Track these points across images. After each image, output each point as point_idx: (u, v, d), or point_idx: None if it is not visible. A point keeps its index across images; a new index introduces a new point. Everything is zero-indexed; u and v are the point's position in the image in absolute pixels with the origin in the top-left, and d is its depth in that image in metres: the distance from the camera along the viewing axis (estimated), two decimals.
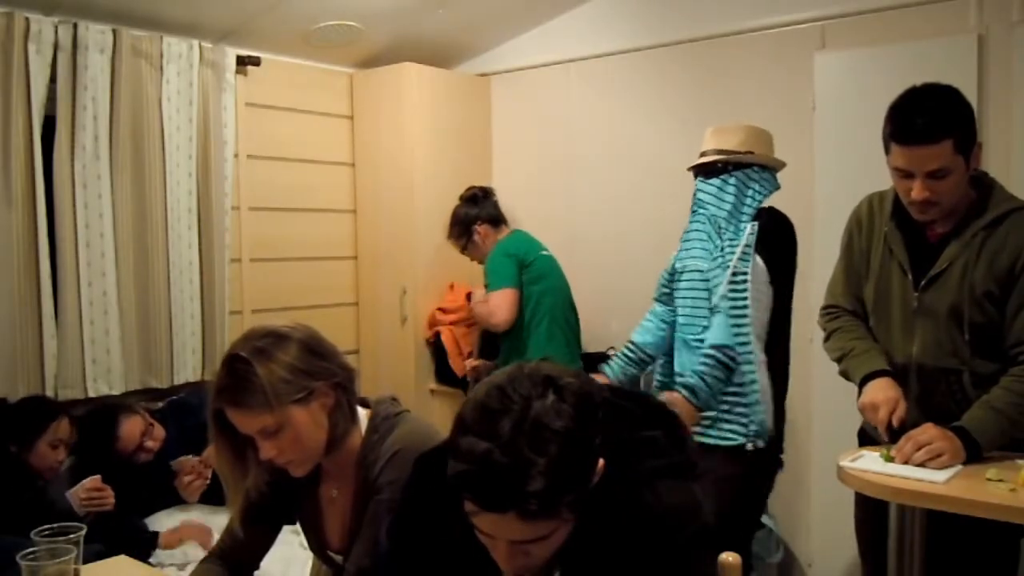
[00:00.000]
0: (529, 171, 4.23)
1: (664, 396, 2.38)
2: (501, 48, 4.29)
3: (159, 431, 3.09)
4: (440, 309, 4.06)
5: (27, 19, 3.04)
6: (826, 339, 2.28)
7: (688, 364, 2.51)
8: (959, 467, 1.86)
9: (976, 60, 2.91)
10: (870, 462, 1.93)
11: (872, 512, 2.17)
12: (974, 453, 1.88)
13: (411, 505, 1.40)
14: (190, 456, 3.05)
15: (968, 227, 2.00)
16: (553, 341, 3.44)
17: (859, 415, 2.16)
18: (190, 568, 2.22)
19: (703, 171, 2.52)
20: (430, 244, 4.05)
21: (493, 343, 3.79)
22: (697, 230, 2.50)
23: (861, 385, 2.10)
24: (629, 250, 3.85)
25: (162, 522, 3.00)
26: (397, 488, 1.51)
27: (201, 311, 3.59)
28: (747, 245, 2.37)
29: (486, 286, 3.51)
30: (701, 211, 2.49)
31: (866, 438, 2.21)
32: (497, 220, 3.63)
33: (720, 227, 2.43)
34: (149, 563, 2.59)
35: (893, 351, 2.11)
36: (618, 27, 3.87)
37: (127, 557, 2.03)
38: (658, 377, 2.70)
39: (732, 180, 2.45)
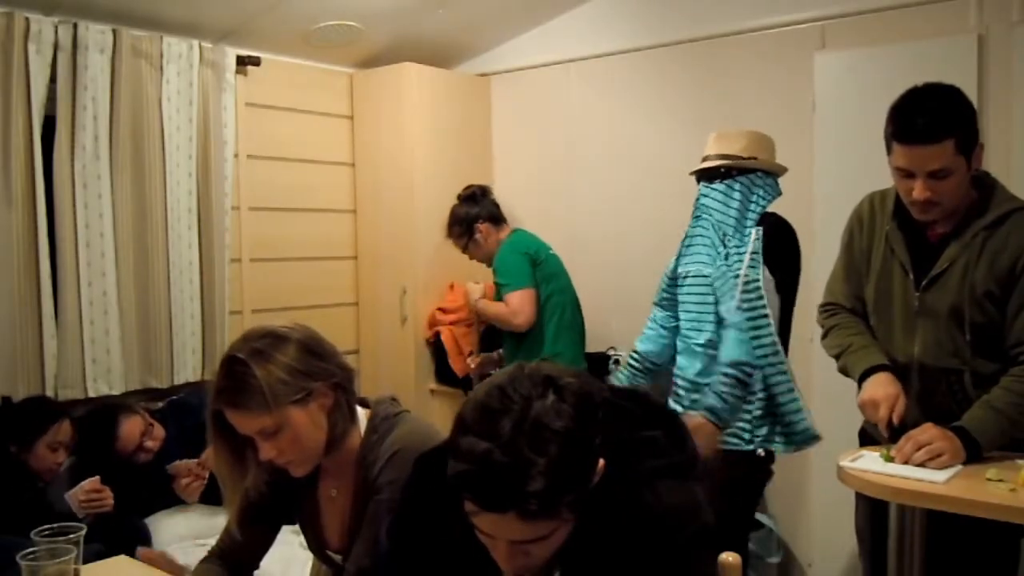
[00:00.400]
0: (529, 171, 4.23)
1: (685, 419, 2.38)
2: (501, 48, 4.29)
3: (159, 431, 3.09)
4: (440, 309, 4.06)
5: (27, 19, 3.04)
6: (824, 335, 2.28)
7: (689, 368, 2.51)
8: (959, 467, 1.86)
9: (976, 60, 2.91)
10: (870, 462, 1.93)
11: (872, 512, 2.17)
12: (974, 453, 1.88)
13: (411, 505, 1.40)
14: (185, 460, 3.04)
15: (969, 227, 1.99)
16: (560, 340, 3.44)
17: (859, 415, 2.16)
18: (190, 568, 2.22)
19: (706, 176, 2.52)
20: (430, 244, 4.05)
21: (494, 342, 3.79)
22: (701, 235, 2.50)
23: (860, 381, 2.10)
24: (629, 250, 3.85)
25: (162, 522, 3.00)
26: (397, 488, 1.51)
27: (201, 311, 3.59)
28: (755, 252, 2.37)
29: (499, 286, 3.47)
30: (705, 216, 2.49)
31: (866, 438, 2.21)
32: (498, 218, 3.61)
33: (725, 234, 2.43)
34: None
35: (894, 351, 2.11)
36: (618, 27, 3.87)
37: (127, 557, 2.04)
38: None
39: (737, 186, 2.45)
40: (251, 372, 1.47)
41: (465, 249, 3.66)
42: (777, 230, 2.44)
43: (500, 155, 4.37)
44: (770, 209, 2.48)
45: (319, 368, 1.55)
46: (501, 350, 3.71)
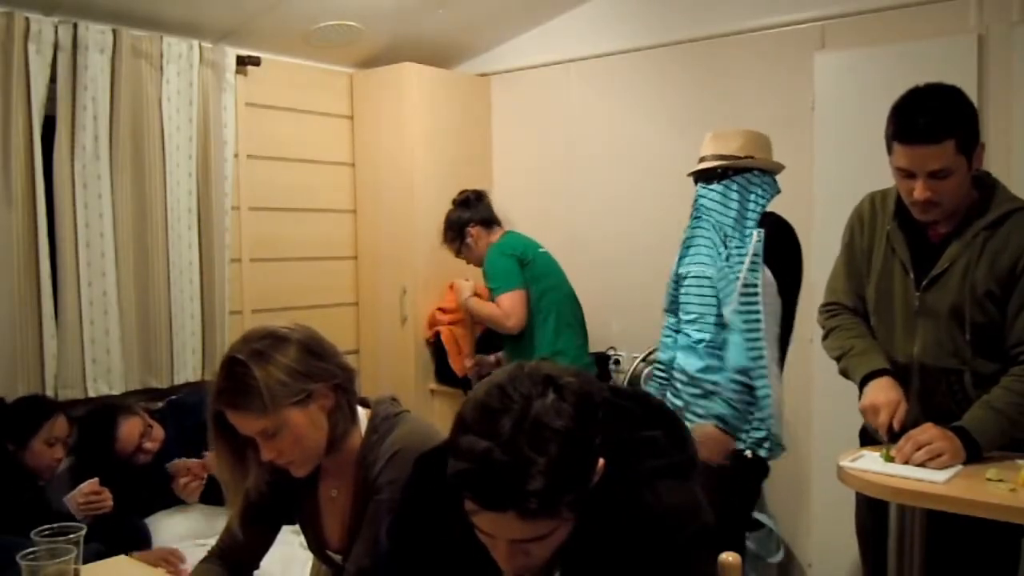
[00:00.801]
0: (529, 171, 4.23)
1: (695, 430, 2.39)
2: (501, 48, 4.29)
3: (158, 432, 3.08)
4: (440, 309, 4.06)
5: (27, 19, 3.03)
6: (825, 336, 2.28)
7: (689, 365, 2.52)
8: (959, 467, 1.86)
9: (976, 60, 2.91)
10: (870, 462, 1.93)
11: (872, 512, 2.17)
12: (974, 453, 1.88)
13: (411, 505, 1.40)
14: (184, 459, 3.04)
15: (970, 227, 2.00)
16: (562, 338, 3.43)
17: (859, 415, 2.16)
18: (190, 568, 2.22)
19: (703, 177, 2.53)
20: (430, 244, 4.04)
21: (492, 342, 3.79)
22: (702, 236, 2.50)
23: (861, 385, 2.10)
24: (629, 250, 3.85)
25: (162, 522, 3.00)
26: (397, 488, 1.51)
27: (201, 311, 3.58)
28: (755, 254, 2.37)
29: (490, 290, 3.47)
30: (705, 217, 2.49)
31: (866, 438, 2.21)
32: (489, 222, 3.61)
33: (726, 234, 2.43)
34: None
35: (894, 350, 2.11)
36: (618, 27, 3.87)
37: (127, 557, 2.04)
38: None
39: (734, 186, 2.45)
40: (251, 373, 1.47)
41: (459, 253, 3.67)
42: (778, 231, 2.45)
43: (500, 155, 4.37)
44: (770, 208, 2.48)
45: (319, 369, 1.55)
46: (500, 353, 3.71)
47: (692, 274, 2.53)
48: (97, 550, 2.22)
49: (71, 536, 1.56)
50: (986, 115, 2.85)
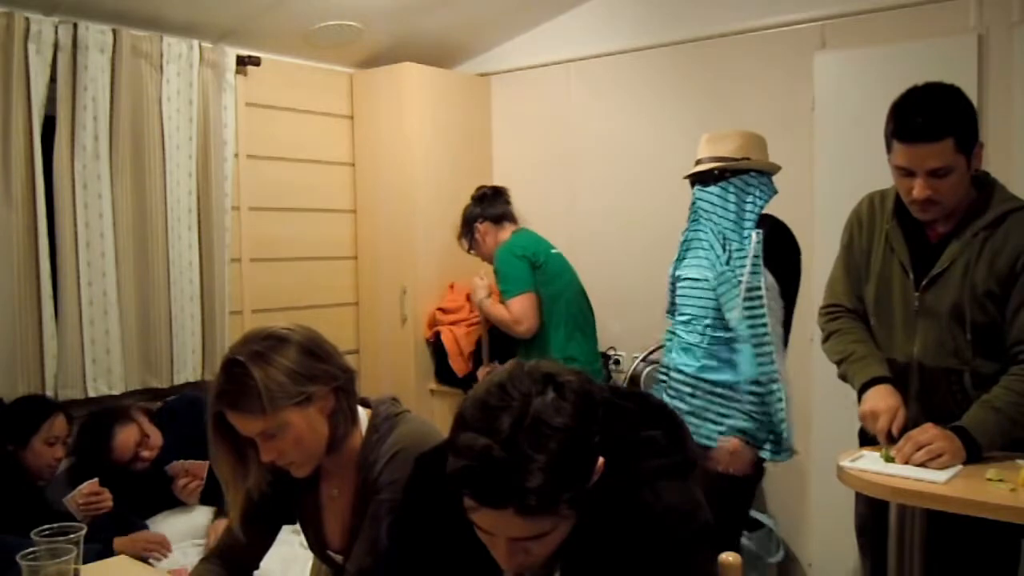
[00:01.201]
0: (529, 171, 4.23)
1: (721, 444, 2.40)
2: (501, 48, 4.29)
3: (155, 439, 3.04)
4: (440, 309, 4.06)
5: (27, 19, 3.03)
6: (825, 340, 2.28)
7: (685, 365, 2.52)
8: (959, 467, 1.86)
9: (976, 60, 2.91)
10: (870, 462, 1.93)
11: (872, 512, 2.17)
12: (974, 453, 1.88)
13: (412, 505, 1.40)
14: (182, 461, 3.03)
15: (969, 227, 2.00)
16: (572, 343, 3.36)
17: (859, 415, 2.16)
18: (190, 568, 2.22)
19: (699, 179, 2.53)
20: (430, 244, 4.05)
21: (503, 344, 3.70)
22: (700, 239, 2.50)
23: (861, 392, 2.10)
24: (629, 250, 3.85)
25: (162, 523, 3.00)
26: (397, 488, 1.52)
27: (201, 311, 3.58)
28: (756, 256, 2.37)
29: (501, 291, 3.40)
30: (704, 220, 2.49)
31: (866, 438, 2.21)
32: (500, 218, 3.53)
33: (726, 237, 2.43)
34: (149, 563, 2.59)
35: (894, 351, 2.11)
36: (618, 27, 3.87)
37: (127, 557, 2.04)
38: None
39: (731, 188, 2.45)
40: (250, 374, 1.47)
41: (470, 250, 3.62)
42: (775, 232, 2.45)
43: (500, 155, 4.37)
44: (770, 209, 2.48)
45: (319, 371, 1.55)
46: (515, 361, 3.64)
47: (688, 276, 2.54)
48: (97, 550, 2.22)
49: (71, 536, 1.56)
50: (986, 115, 2.85)
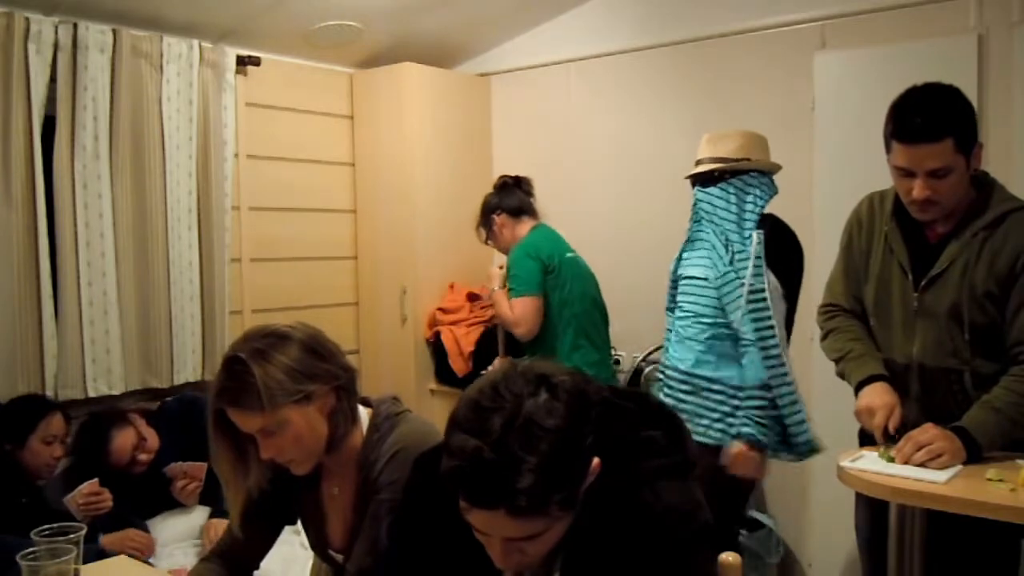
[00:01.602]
0: (529, 171, 4.18)
1: (728, 450, 2.40)
2: (501, 48, 4.29)
3: (152, 443, 3.03)
4: (440, 309, 4.06)
5: (27, 19, 3.03)
6: (823, 338, 2.28)
7: (681, 361, 2.53)
8: (959, 467, 1.86)
9: (976, 60, 2.91)
10: (870, 462, 1.93)
11: (872, 512, 2.17)
12: (974, 453, 1.88)
13: (411, 504, 1.40)
14: (181, 462, 3.03)
15: (968, 227, 1.99)
16: (579, 351, 3.26)
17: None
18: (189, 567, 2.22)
19: (700, 180, 2.53)
20: (430, 244, 4.05)
21: (517, 343, 3.54)
22: (702, 239, 2.50)
23: (857, 389, 2.10)
24: (629, 249, 3.85)
25: (162, 523, 3.00)
26: (397, 488, 1.52)
27: (201, 311, 3.58)
28: (758, 257, 2.37)
29: (509, 289, 3.32)
30: (706, 220, 2.49)
31: (866, 438, 2.21)
32: (518, 211, 3.42)
33: (728, 238, 2.43)
34: (149, 563, 2.59)
35: (894, 351, 2.11)
36: (618, 27, 3.87)
37: (127, 557, 2.04)
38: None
39: (732, 188, 2.46)
40: (250, 371, 1.48)
41: (487, 241, 3.52)
42: (777, 232, 2.45)
43: (500, 155, 4.37)
44: (770, 208, 2.48)
45: (320, 370, 1.55)
46: None
47: (689, 275, 2.54)
48: (97, 550, 2.22)
49: (71, 536, 1.56)
50: (986, 115, 2.85)
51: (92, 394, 3.22)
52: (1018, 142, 2.86)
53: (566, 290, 3.28)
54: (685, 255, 2.59)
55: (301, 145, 4.02)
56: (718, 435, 2.43)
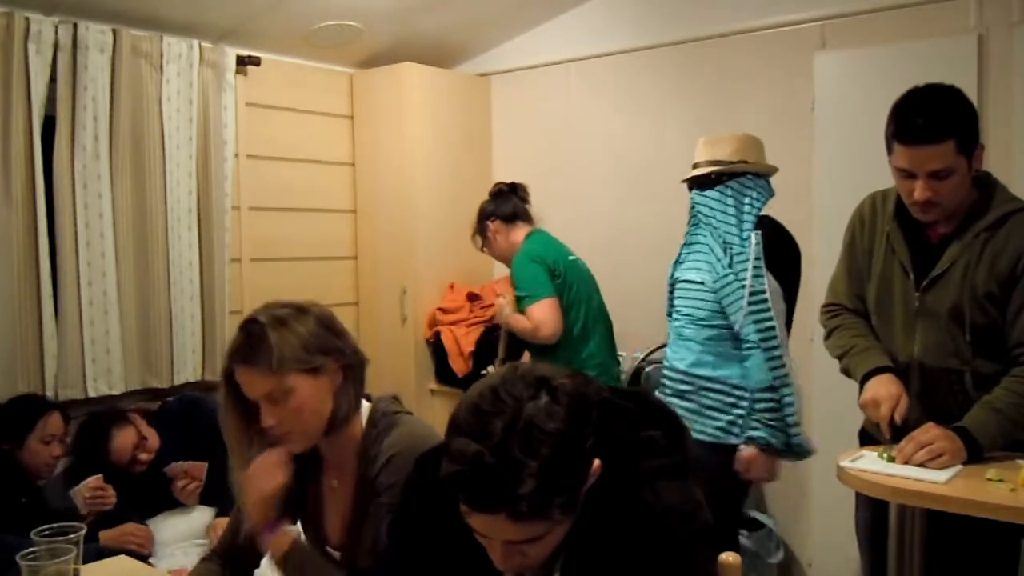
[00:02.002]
0: (529, 171, 4.20)
1: (740, 454, 2.41)
2: (501, 48, 4.29)
3: (152, 442, 3.03)
4: (440, 309, 4.06)
5: (27, 19, 3.03)
6: (827, 336, 2.28)
7: (679, 360, 2.53)
8: (959, 467, 1.86)
9: (976, 60, 2.91)
10: (870, 462, 1.93)
11: (872, 512, 2.17)
12: (975, 453, 1.88)
13: (411, 505, 1.40)
14: (181, 462, 3.03)
15: (970, 228, 1.99)
16: (580, 357, 3.23)
17: (859, 415, 2.16)
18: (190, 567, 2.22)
19: (697, 183, 2.53)
20: (430, 244, 4.05)
21: (519, 346, 3.55)
22: (700, 242, 2.50)
23: (862, 383, 2.10)
24: (629, 249, 3.85)
25: (162, 523, 2.99)
26: (396, 492, 1.52)
27: (201, 311, 3.58)
28: (757, 259, 2.37)
29: (519, 298, 3.26)
30: (704, 224, 2.49)
31: (866, 438, 2.21)
32: (512, 217, 3.40)
33: (727, 241, 2.43)
34: (149, 563, 2.59)
35: (895, 351, 2.11)
36: (618, 27, 3.87)
37: (127, 557, 2.04)
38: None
39: (729, 191, 2.46)
40: (266, 332, 1.52)
41: (483, 248, 3.51)
42: (774, 234, 2.45)
43: (500, 155, 4.37)
44: (769, 208, 2.48)
45: (333, 345, 1.59)
46: None
47: (685, 279, 2.54)
48: (97, 550, 2.22)
49: (71, 536, 1.56)
50: (986, 115, 2.85)
51: (92, 394, 3.22)
52: (1018, 142, 2.86)
53: (573, 292, 3.27)
54: (682, 259, 2.59)
55: (301, 145, 4.02)
56: (719, 433, 2.43)
